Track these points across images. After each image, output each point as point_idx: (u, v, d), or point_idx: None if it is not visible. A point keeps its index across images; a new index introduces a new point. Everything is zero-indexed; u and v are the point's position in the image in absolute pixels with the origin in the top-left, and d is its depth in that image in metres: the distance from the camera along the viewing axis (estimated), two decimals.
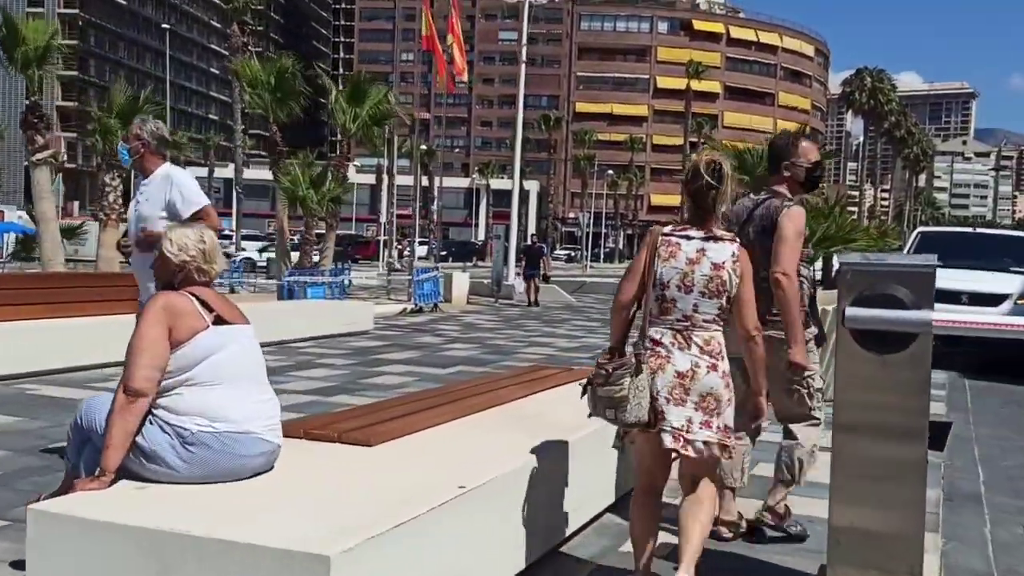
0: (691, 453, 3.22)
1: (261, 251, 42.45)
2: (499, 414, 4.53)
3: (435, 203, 62.83)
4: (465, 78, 25.55)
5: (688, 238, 3.28)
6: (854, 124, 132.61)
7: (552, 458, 3.84)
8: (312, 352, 11.31)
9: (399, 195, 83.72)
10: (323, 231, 22.81)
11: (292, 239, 21.93)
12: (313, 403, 7.69)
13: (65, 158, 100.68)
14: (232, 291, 23.50)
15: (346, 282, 27.45)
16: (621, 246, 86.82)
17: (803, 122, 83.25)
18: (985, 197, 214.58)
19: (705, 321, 3.24)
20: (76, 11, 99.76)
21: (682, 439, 3.21)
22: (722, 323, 3.29)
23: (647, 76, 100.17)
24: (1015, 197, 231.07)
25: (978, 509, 5.14)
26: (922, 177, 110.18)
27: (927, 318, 3.11)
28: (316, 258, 21.13)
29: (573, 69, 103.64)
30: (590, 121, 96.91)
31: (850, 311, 3.21)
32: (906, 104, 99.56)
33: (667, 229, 3.34)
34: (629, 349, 3.33)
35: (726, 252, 3.26)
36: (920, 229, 14.34)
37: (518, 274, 25.09)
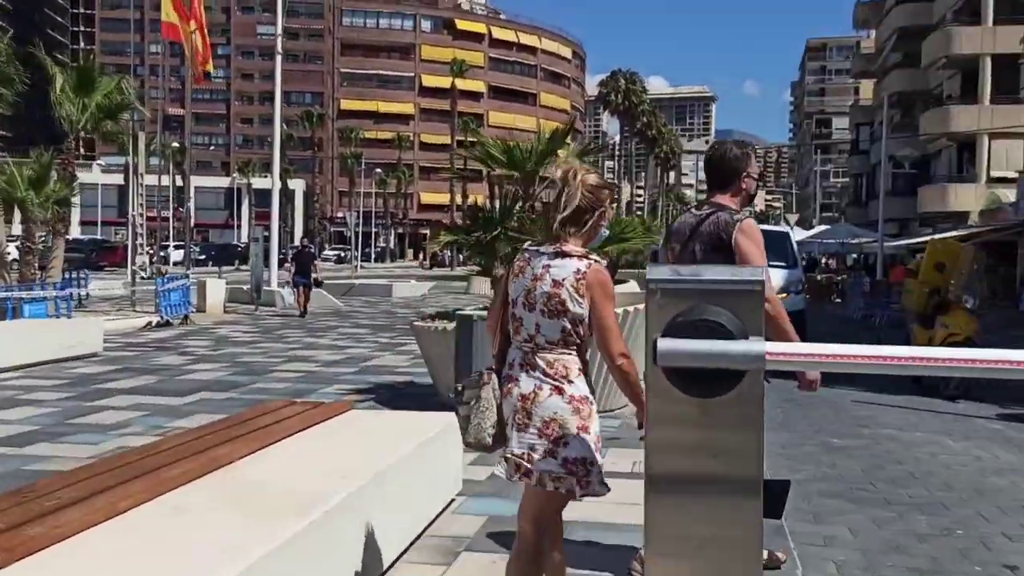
0: (531, 482, 2.93)
1: None
2: (211, 488, 3.42)
3: (190, 203, 58.62)
4: (211, 68, 23.47)
5: (539, 253, 3.10)
6: (610, 124, 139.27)
7: (281, 553, 2.80)
8: (17, 385, 9.46)
9: (151, 196, 78.10)
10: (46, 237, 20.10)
11: (7, 248, 19.08)
12: None
13: None
14: None
15: (82, 294, 24.66)
16: (392, 245, 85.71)
17: (564, 122, 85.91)
18: None
19: (548, 343, 2.97)
20: None
21: (524, 468, 2.91)
22: (573, 347, 2.99)
23: (412, 74, 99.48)
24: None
25: None
26: (671, 174, 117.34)
27: (758, 350, 2.39)
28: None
29: (336, 65, 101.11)
30: (356, 119, 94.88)
31: (663, 344, 2.44)
32: (655, 106, 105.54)
33: (527, 244, 3.18)
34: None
35: (568, 269, 2.99)
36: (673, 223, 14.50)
37: (287, 283, 22.90)
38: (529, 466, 2.92)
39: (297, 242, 29.36)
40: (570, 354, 2.98)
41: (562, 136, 8.46)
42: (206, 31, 22.75)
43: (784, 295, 12.17)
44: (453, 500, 5.07)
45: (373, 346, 14.00)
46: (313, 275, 21.13)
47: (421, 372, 10.37)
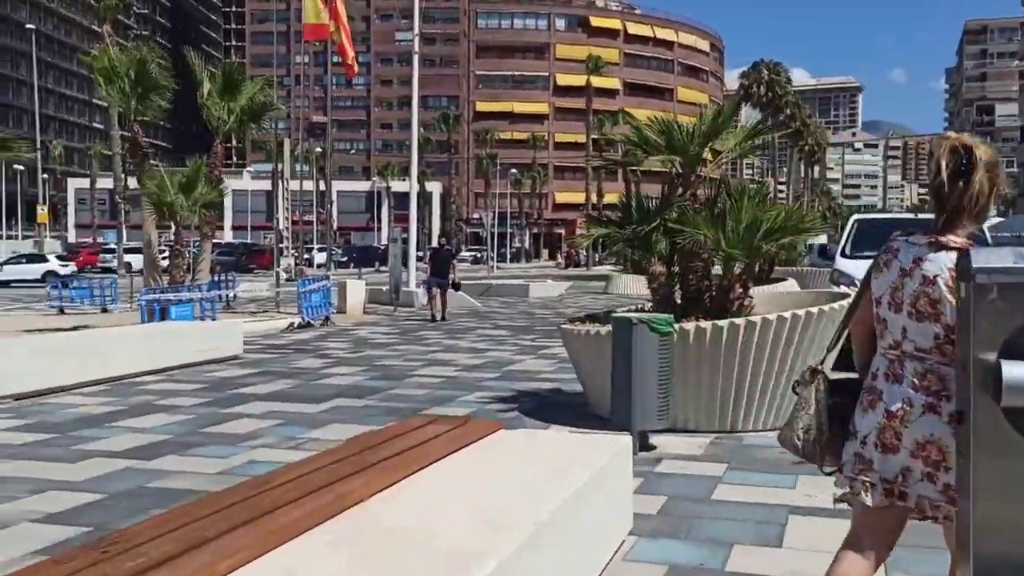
0: (908, 504, 2.53)
1: (3, 263, 40.03)
2: (334, 538, 2.71)
3: (332, 207, 60.08)
4: (355, 65, 23.47)
5: (909, 244, 2.58)
6: (750, 119, 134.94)
7: None
8: (156, 389, 9.25)
9: (296, 201, 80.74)
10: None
11: (158, 253, 19.49)
12: (123, 473, 5.72)
13: None
14: (104, 310, 21.05)
15: (230, 296, 25.21)
16: (527, 245, 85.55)
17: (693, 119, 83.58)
18: (875, 187, 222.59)
19: (919, 350, 2.50)
20: None
21: (896, 491, 2.53)
22: (950, 356, 2.41)
23: (546, 73, 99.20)
24: (903, 186, 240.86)
25: None
26: (815, 168, 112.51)
27: None
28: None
29: (471, 68, 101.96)
30: (491, 120, 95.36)
31: (1012, 371, 1.53)
32: (798, 98, 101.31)
33: (896, 234, 2.68)
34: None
35: (942, 263, 2.46)
36: (856, 217, 13.16)
37: (423, 283, 21.52)
38: (904, 489, 2.52)
39: (435, 242, 28.87)
40: (946, 365, 2.45)
41: (729, 114, 7.48)
42: (348, 29, 22.64)
43: None
44: (623, 542, 4.23)
45: (514, 349, 13.33)
46: (451, 276, 19.54)
47: (568, 378, 9.59)
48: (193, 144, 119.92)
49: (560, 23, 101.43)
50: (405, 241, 25.21)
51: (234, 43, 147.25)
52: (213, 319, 15.70)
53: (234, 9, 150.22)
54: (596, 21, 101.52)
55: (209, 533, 2.57)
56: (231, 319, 18.72)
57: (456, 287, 20.14)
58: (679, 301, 7.69)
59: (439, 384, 9.74)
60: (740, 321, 6.84)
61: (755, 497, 5.28)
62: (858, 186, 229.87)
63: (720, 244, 7.03)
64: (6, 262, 39.16)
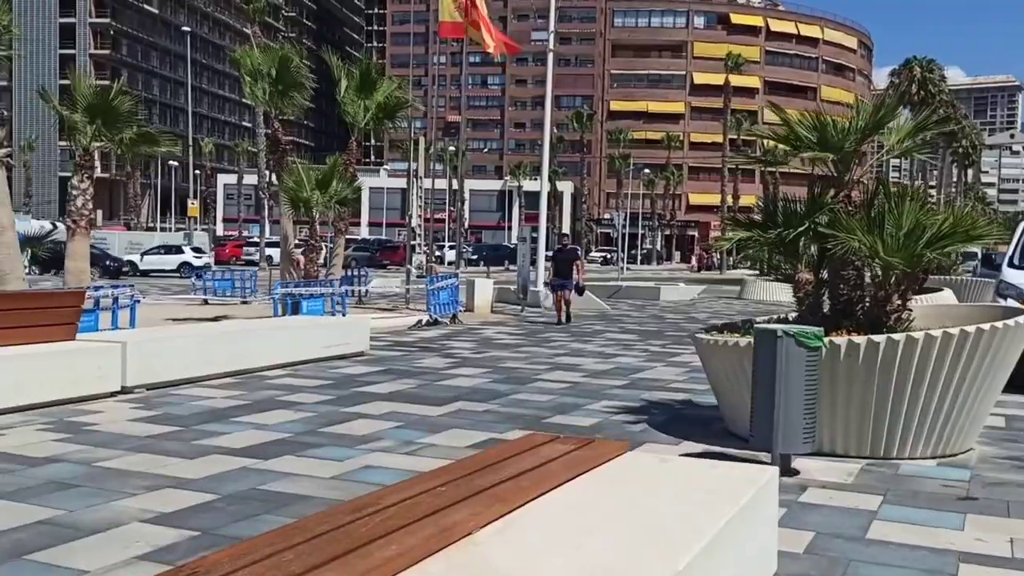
0: None
1: (143, 254, 41.93)
2: None
3: (463, 205, 60.67)
4: (494, 49, 23.36)
5: None
6: (900, 118, 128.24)
7: None
8: (282, 384, 9.24)
9: (430, 199, 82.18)
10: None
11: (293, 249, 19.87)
12: (239, 473, 5.60)
13: (97, 167, 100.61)
14: (244, 302, 21.72)
15: (362, 291, 25.61)
16: (659, 247, 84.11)
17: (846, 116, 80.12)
18: None
19: None
20: (107, 20, 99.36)
21: None
22: None
23: (683, 72, 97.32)
24: None
25: None
26: (969, 172, 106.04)
27: None
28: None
29: (606, 67, 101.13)
30: (625, 120, 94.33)
31: None
32: (953, 97, 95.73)
33: None
34: None
35: None
36: None
37: (546, 283, 20.36)
38: None
39: (558, 241, 28.05)
40: None
41: (892, 106, 6.75)
42: (485, 20, 22.47)
43: None
44: None
45: (643, 355, 12.79)
46: (575, 278, 17.99)
47: (700, 389, 9.03)
48: (334, 142, 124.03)
49: (699, 20, 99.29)
50: (535, 240, 24.97)
51: (375, 44, 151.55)
52: (344, 314, 15.83)
53: (376, 11, 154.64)
54: (737, 18, 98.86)
55: (294, 568, 2.26)
56: (361, 314, 18.94)
57: (580, 291, 18.54)
58: (827, 312, 7.03)
59: (564, 390, 9.35)
60: (899, 337, 6.15)
61: (917, 538, 4.65)
62: (1016, 191, 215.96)
63: (877, 251, 6.35)
64: (146, 253, 41.27)
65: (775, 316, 7.75)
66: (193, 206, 49.80)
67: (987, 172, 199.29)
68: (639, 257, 73.06)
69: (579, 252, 19.28)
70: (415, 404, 8.23)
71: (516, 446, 4.06)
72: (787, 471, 5.92)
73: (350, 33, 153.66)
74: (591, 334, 16.15)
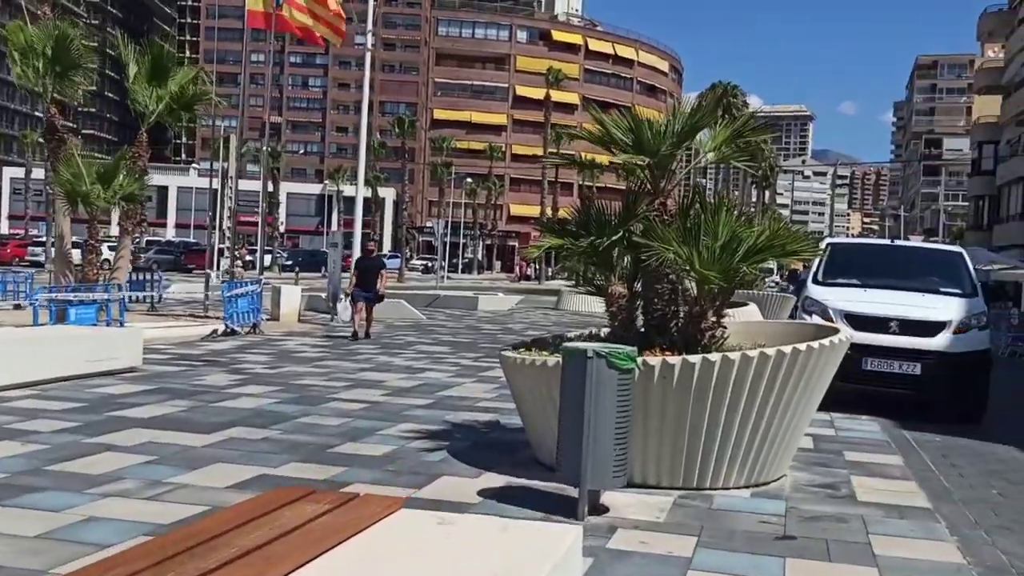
0: None
1: None
2: None
3: (278, 208, 58.35)
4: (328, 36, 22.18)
5: None
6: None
7: None
8: (19, 408, 7.77)
9: (245, 201, 78.50)
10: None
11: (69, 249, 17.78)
12: None
13: None
14: (17, 306, 19.23)
15: (154, 297, 23.52)
16: (480, 257, 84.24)
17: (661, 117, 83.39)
18: (823, 213, 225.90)
19: None
20: None
21: None
22: None
23: (506, 84, 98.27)
24: (848, 214, 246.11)
25: None
26: (767, 192, 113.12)
27: None
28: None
29: (431, 75, 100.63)
30: (448, 128, 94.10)
31: None
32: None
33: None
34: None
35: None
36: (829, 240, 12.17)
37: (346, 294, 17.76)
38: None
39: (362, 250, 26.58)
40: None
41: (710, 109, 6.30)
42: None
43: (962, 330, 9.71)
44: None
45: (453, 370, 12.03)
46: (378, 289, 16.28)
47: (509, 408, 8.34)
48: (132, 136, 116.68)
49: (522, 35, 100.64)
50: (348, 247, 23.82)
51: (188, 38, 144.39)
52: (121, 324, 14.16)
53: (189, 3, 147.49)
54: (558, 35, 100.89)
55: None
56: (150, 323, 17.19)
57: (380, 299, 16.75)
58: (641, 328, 6.50)
59: (360, 411, 8.41)
60: (715, 357, 5.66)
61: None
62: (806, 212, 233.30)
63: (693, 263, 5.86)
64: None
65: (588, 331, 7.17)
66: None
67: (782, 194, 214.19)
68: (460, 266, 72.71)
69: (385, 262, 17.33)
70: (180, 432, 7.06)
71: (257, 506, 3.14)
72: (596, 508, 5.28)
73: (161, 24, 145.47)
74: (402, 346, 15.26)
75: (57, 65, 17.27)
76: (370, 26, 28.26)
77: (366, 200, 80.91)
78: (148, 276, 25.15)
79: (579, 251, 6.34)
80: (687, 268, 5.94)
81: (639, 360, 5.44)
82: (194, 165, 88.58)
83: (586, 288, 6.81)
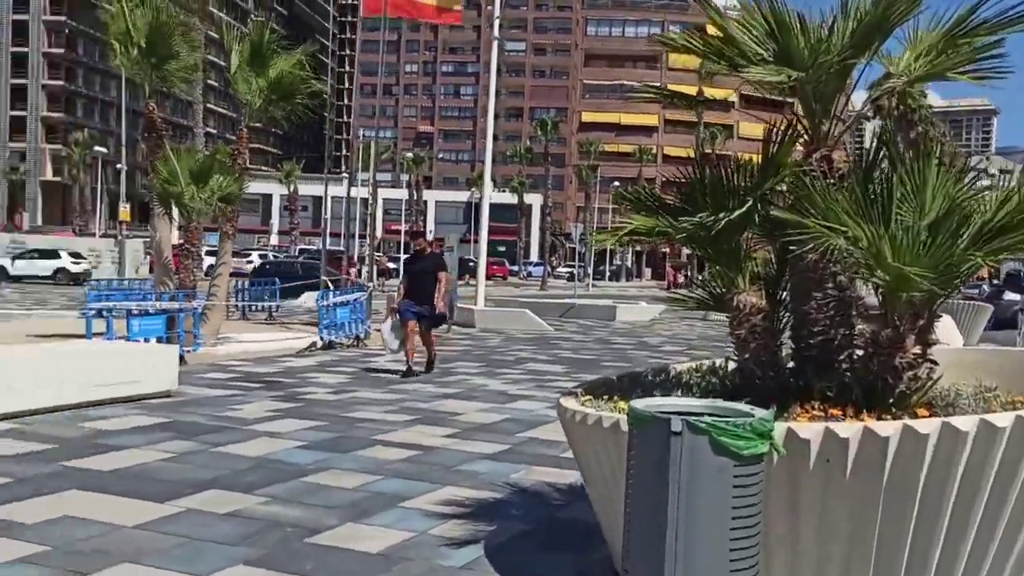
0: None
1: (15, 258, 38.35)
2: None
3: (424, 217, 57.81)
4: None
5: None
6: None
7: None
8: None
9: (392, 209, 78.80)
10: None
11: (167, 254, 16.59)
12: None
13: (49, 170, 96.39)
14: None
15: (273, 307, 22.46)
16: (629, 264, 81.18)
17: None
18: None
19: None
20: (63, 18, 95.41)
21: None
22: None
23: (657, 83, 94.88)
24: None
25: None
26: None
27: None
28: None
29: (579, 77, 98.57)
30: (597, 131, 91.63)
31: None
32: (932, 115, 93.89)
33: None
34: None
35: None
36: None
37: (393, 309, 11.67)
38: None
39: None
40: None
41: None
42: None
43: None
44: None
45: (554, 399, 9.67)
46: (437, 301, 10.98)
47: None
48: (301, 149, 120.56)
49: (674, 31, 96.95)
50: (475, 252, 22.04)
51: (348, 52, 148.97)
52: (195, 335, 12.62)
53: (349, 19, 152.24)
54: (714, 29, 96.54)
55: None
56: (250, 334, 15.83)
57: (440, 319, 11.61)
58: (789, 364, 3.99)
59: (399, 464, 6.21)
60: (927, 426, 3.09)
61: None
62: None
63: (882, 254, 3.31)
64: (18, 257, 37.77)
65: (705, 365, 4.67)
66: (124, 210, 46.11)
67: None
68: (608, 274, 70.02)
69: (444, 260, 12.47)
70: (128, 498, 5.06)
71: None
72: None
73: (321, 39, 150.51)
74: (509, 364, 13.05)
75: (153, 56, 16.15)
76: (497, 11, 26.87)
77: (512, 207, 79.84)
78: (268, 284, 24.22)
79: (683, 235, 3.88)
80: (870, 263, 3.38)
81: (779, 431, 2.96)
82: (344, 175, 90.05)
83: (695, 299, 4.33)
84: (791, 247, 3.77)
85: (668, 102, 5.11)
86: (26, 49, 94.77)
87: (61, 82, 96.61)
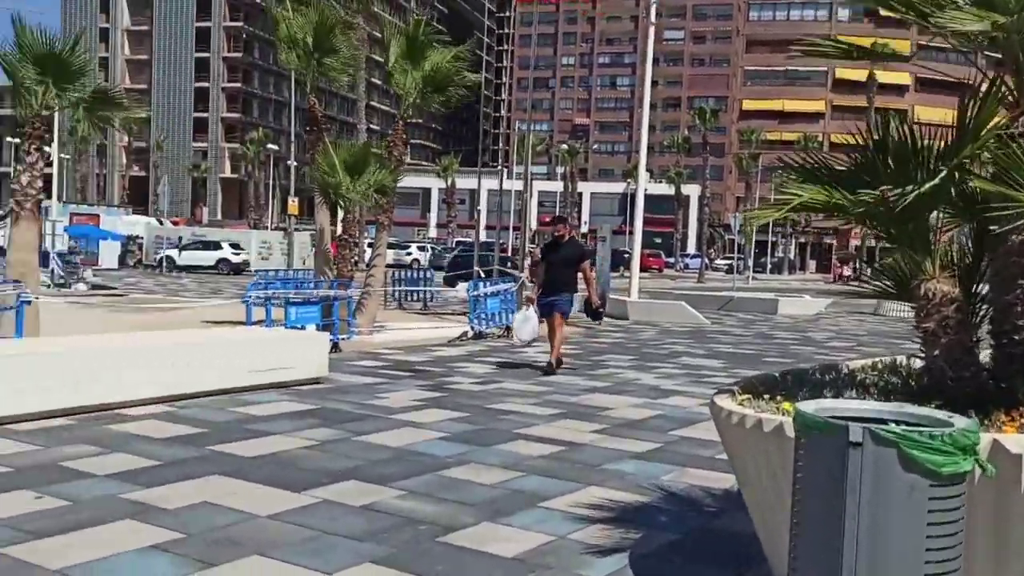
0: None
1: (181, 249, 39.79)
2: None
3: (577, 209, 57.55)
4: None
5: None
6: None
7: None
8: (120, 435, 6.18)
9: (547, 201, 78.86)
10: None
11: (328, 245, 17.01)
12: None
13: (227, 167, 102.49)
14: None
15: (428, 296, 22.75)
16: (792, 256, 77.96)
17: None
18: None
19: None
20: (240, 24, 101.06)
21: None
22: None
23: (823, 68, 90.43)
24: None
25: None
26: None
27: None
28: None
29: (740, 63, 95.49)
30: (758, 120, 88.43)
31: None
32: None
33: None
34: None
35: None
36: None
37: (528, 301, 11.23)
38: None
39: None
40: None
41: None
42: None
43: None
44: None
45: (709, 395, 9.14)
46: (592, 297, 10.63)
47: None
48: (458, 143, 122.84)
49: (843, 13, 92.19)
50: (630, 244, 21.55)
51: (506, 48, 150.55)
52: (349, 324, 12.81)
53: (507, 14, 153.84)
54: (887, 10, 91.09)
55: None
56: (402, 323, 16.06)
57: (597, 314, 11.25)
58: (988, 363, 3.41)
59: (541, 461, 5.91)
60: None
61: None
62: None
63: None
64: (183, 248, 39.89)
65: (883, 361, 4.11)
66: (293, 203, 48.16)
67: None
68: (769, 266, 67.45)
69: (589, 250, 10.78)
70: (266, 486, 5.00)
71: None
72: None
73: (480, 36, 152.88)
74: (662, 357, 12.54)
75: (317, 52, 16.58)
76: (652, 18, 26.36)
77: (669, 198, 78.22)
78: (421, 275, 24.57)
79: (860, 211, 3.36)
80: None
81: (983, 442, 2.44)
82: (500, 168, 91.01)
83: (871, 287, 3.79)
84: (992, 226, 3.19)
85: (842, 55, 4.43)
86: (208, 54, 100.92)
87: (239, 84, 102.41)
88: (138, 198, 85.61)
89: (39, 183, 11.76)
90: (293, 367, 8.44)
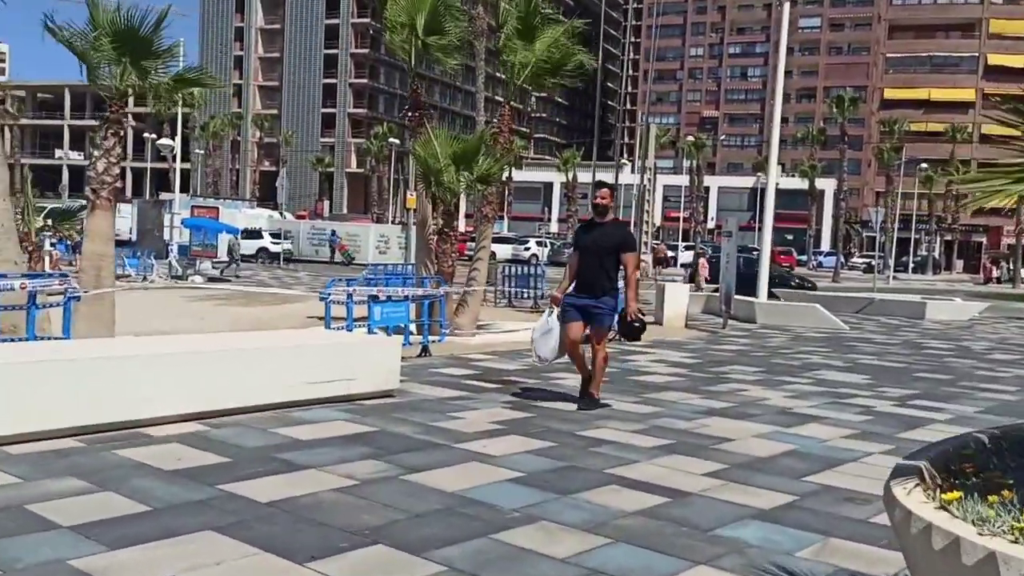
0: None
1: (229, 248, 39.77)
2: None
3: (703, 203, 55.27)
4: None
5: None
6: None
7: None
8: (134, 462, 5.16)
9: (672, 196, 76.42)
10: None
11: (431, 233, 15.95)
12: None
13: (353, 163, 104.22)
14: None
15: (539, 293, 21.64)
16: (937, 254, 72.83)
17: None
18: None
19: None
20: (367, 20, 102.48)
21: None
22: None
23: (975, 54, 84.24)
24: None
25: None
26: None
27: None
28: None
29: (882, 51, 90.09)
30: (901, 109, 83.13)
31: None
32: None
33: None
34: None
35: None
36: None
37: (553, 302, 7.80)
38: None
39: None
40: None
41: None
42: None
43: None
44: None
45: (857, 421, 7.47)
46: (630, 304, 7.47)
47: None
48: (582, 136, 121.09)
49: None
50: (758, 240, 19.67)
51: (632, 40, 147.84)
52: (441, 325, 11.68)
53: (635, 5, 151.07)
54: None
55: None
56: (510, 322, 14.92)
57: (631, 331, 7.64)
58: None
59: (638, 515, 4.52)
60: None
61: None
62: None
63: None
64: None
65: None
66: (411, 197, 47.96)
67: None
68: (911, 265, 63.05)
69: (630, 236, 8.41)
70: (257, 553, 3.82)
71: None
72: None
73: (609, 30, 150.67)
74: (794, 370, 10.87)
75: (421, 32, 15.56)
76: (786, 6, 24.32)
77: (802, 193, 74.37)
78: (530, 271, 23.40)
79: None
80: None
81: None
82: (624, 162, 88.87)
83: None
84: None
85: None
86: (336, 51, 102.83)
87: (365, 80, 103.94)
88: (267, 193, 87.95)
89: (116, 170, 11.10)
90: (355, 378, 7.30)
